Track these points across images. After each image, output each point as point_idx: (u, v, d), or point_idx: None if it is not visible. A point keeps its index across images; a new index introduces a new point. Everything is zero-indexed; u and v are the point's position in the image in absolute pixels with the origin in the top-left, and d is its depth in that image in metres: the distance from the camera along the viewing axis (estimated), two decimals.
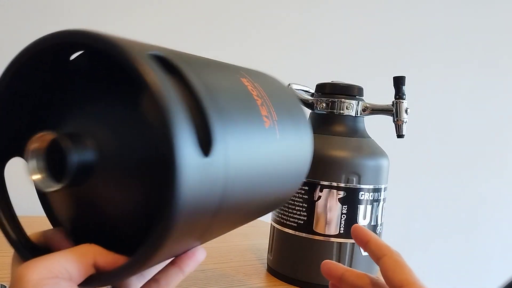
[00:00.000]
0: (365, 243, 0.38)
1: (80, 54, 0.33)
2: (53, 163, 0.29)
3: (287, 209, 0.60)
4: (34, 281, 0.28)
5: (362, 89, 0.64)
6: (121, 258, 0.31)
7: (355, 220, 0.58)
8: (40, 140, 0.29)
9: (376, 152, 0.61)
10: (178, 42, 0.96)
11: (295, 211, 0.60)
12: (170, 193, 0.25)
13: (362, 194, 0.59)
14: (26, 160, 0.30)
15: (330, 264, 0.40)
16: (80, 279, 0.30)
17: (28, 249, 0.33)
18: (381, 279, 0.37)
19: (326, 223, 0.58)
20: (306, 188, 0.59)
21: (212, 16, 0.98)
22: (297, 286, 0.60)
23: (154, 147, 0.28)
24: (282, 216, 0.61)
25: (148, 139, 0.29)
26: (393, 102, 0.62)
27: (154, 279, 0.34)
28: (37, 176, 0.30)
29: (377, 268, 0.65)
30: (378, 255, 0.36)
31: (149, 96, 0.27)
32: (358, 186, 0.58)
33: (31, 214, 0.84)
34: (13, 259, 0.34)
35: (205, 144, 0.27)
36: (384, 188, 0.62)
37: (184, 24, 0.96)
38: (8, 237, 0.34)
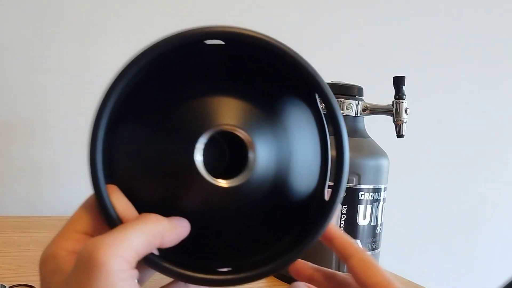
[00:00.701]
0: (329, 240, 0.34)
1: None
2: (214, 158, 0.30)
3: None
4: (114, 273, 0.25)
5: (362, 89, 0.64)
6: (183, 231, 0.29)
7: (355, 220, 0.58)
8: (217, 132, 0.29)
9: (376, 152, 0.61)
10: None
11: None
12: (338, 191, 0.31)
13: (362, 194, 0.58)
14: (196, 151, 0.29)
15: (298, 265, 0.37)
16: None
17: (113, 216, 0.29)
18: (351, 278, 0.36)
19: None
20: None
21: (212, 16, 0.98)
22: None
23: (313, 150, 0.32)
24: None
25: (311, 143, 0.32)
26: (393, 102, 0.62)
27: None
28: (213, 177, 0.29)
29: None
30: (345, 255, 0.33)
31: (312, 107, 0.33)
32: (358, 186, 0.58)
33: (31, 214, 0.84)
34: (80, 217, 0.30)
35: None
36: (384, 188, 0.61)
37: (184, 24, 0.96)
38: (100, 198, 0.29)
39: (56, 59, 0.86)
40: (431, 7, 1.24)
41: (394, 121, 0.62)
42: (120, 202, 0.30)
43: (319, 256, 0.59)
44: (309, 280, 0.37)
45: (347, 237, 0.34)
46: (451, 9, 1.26)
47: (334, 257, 0.58)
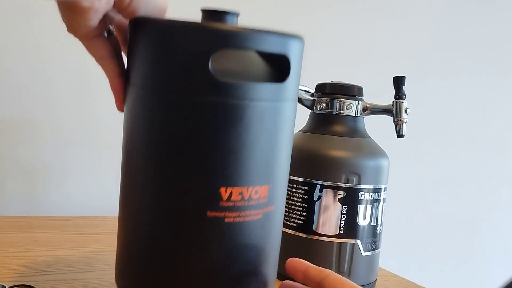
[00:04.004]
0: (304, 271, 0.39)
1: None
2: None
3: (287, 209, 0.60)
4: None
5: (362, 89, 0.64)
6: None
7: (355, 220, 0.58)
8: None
9: (376, 152, 0.61)
10: None
11: (295, 211, 0.60)
12: None
13: (362, 194, 0.58)
14: None
15: (294, 262, 0.41)
16: None
17: None
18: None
19: (326, 223, 0.58)
20: (306, 188, 0.59)
21: None
22: None
23: None
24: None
25: None
26: (393, 102, 0.62)
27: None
28: None
29: (377, 269, 0.65)
30: (321, 277, 0.38)
31: None
32: (358, 186, 0.58)
33: (30, 214, 0.84)
34: None
35: None
36: (384, 188, 0.61)
37: None
38: None
39: (60, 62, 0.86)
40: (432, 6, 1.24)
41: (394, 121, 0.62)
42: None
43: (320, 256, 0.59)
44: (303, 277, 0.40)
45: (316, 266, 0.39)
46: (451, 10, 1.26)
47: (334, 258, 0.58)
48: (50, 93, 0.86)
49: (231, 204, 0.37)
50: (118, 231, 0.43)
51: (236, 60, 0.39)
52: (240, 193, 0.37)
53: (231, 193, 0.37)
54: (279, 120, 0.39)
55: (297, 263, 0.40)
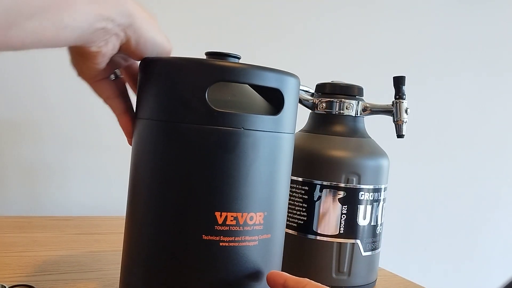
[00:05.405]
0: (283, 283, 0.40)
1: None
2: None
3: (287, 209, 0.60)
4: None
5: (362, 89, 0.64)
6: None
7: (355, 220, 0.58)
8: None
9: (376, 152, 0.61)
10: (184, 43, 0.96)
11: (295, 211, 0.60)
12: None
13: (362, 194, 0.58)
14: None
15: (274, 274, 0.42)
16: None
17: None
18: None
19: (326, 223, 0.58)
20: (306, 188, 0.59)
21: (212, 16, 0.98)
22: None
23: None
24: None
25: None
26: (393, 102, 0.62)
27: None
28: None
29: (377, 269, 0.65)
30: (299, 287, 0.39)
31: None
32: (358, 186, 0.58)
33: (31, 214, 0.84)
34: None
35: None
36: (384, 188, 0.61)
37: (188, 25, 0.96)
38: None
39: (61, 62, 0.86)
40: (432, 6, 1.24)
41: (394, 121, 0.62)
42: None
43: (320, 256, 0.59)
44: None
45: (294, 277, 0.40)
46: (451, 10, 1.26)
47: (334, 258, 0.58)
48: (51, 93, 0.86)
49: (226, 228, 0.38)
50: (122, 249, 0.44)
51: (234, 93, 0.41)
52: (235, 218, 0.38)
53: (225, 217, 0.38)
54: (275, 150, 0.41)
55: (276, 275, 0.41)
